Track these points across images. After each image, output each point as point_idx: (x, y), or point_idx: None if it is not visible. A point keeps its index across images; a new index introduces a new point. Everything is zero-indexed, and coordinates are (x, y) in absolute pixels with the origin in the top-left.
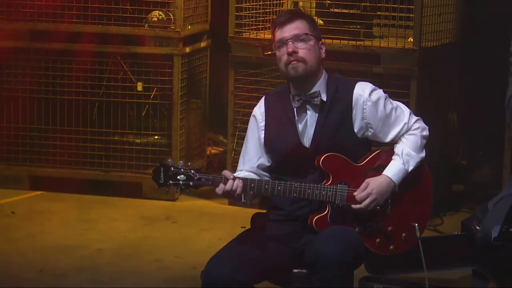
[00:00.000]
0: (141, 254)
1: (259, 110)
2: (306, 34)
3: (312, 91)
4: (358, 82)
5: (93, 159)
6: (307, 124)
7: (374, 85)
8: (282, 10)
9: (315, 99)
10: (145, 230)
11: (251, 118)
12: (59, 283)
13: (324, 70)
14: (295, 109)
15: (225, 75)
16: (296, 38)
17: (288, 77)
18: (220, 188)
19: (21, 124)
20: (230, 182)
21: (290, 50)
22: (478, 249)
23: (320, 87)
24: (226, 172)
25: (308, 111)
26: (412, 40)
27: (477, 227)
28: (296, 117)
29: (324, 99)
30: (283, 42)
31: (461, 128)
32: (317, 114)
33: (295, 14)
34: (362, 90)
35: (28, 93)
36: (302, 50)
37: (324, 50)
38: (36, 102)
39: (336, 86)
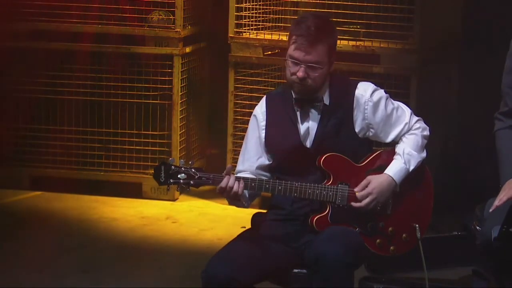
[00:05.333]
0: (141, 254)
1: (260, 110)
2: (321, 64)
3: (315, 96)
4: (360, 82)
5: (93, 159)
6: (309, 126)
7: (375, 85)
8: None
9: (318, 104)
10: (145, 230)
11: (252, 118)
12: (59, 283)
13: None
14: (297, 111)
15: (225, 75)
16: (310, 66)
17: (291, 89)
18: (219, 186)
19: (21, 124)
20: (225, 179)
21: (300, 75)
22: (478, 249)
23: (323, 92)
24: (228, 169)
25: (310, 113)
26: (412, 40)
27: (477, 227)
28: (298, 118)
29: (327, 103)
30: (296, 63)
31: (461, 128)
32: (319, 116)
33: (318, 36)
34: (364, 91)
35: (28, 93)
36: (312, 78)
37: (333, 63)
38: (36, 102)
39: (338, 89)
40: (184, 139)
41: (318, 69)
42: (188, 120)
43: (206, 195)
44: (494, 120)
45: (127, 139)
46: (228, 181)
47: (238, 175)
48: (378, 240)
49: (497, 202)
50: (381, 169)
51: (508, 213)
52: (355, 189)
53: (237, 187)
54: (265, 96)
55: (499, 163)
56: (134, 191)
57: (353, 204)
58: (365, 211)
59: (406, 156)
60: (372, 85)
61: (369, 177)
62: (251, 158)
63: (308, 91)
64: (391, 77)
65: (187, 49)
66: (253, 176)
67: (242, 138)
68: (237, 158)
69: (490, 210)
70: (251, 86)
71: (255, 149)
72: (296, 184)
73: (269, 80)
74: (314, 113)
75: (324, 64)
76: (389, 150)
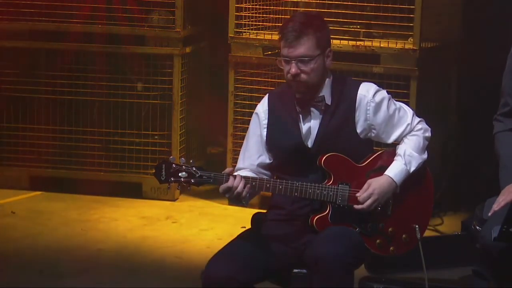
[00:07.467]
0: (141, 254)
1: (262, 108)
2: (310, 57)
3: (317, 96)
4: (362, 83)
5: (93, 159)
6: (311, 125)
7: (377, 86)
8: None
9: (320, 103)
10: (145, 230)
11: (254, 116)
12: (59, 284)
13: (329, 72)
14: (298, 110)
15: (225, 75)
16: (300, 60)
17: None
18: (222, 185)
19: (21, 124)
20: (231, 179)
21: (293, 72)
22: (478, 249)
23: (324, 92)
24: (227, 170)
25: (311, 113)
26: (412, 40)
27: (477, 227)
28: (300, 118)
29: (329, 102)
30: (288, 61)
31: (461, 128)
32: (321, 116)
33: (303, 30)
34: (366, 91)
35: (28, 93)
36: (305, 73)
37: (330, 58)
38: (36, 102)
39: (340, 88)
40: (184, 139)
41: (309, 62)
42: (188, 120)
43: (206, 195)
44: (493, 122)
45: (127, 139)
46: (234, 181)
47: (238, 172)
48: (378, 241)
49: (496, 206)
50: (382, 170)
51: (508, 213)
52: (357, 194)
53: (242, 187)
54: (267, 95)
55: (499, 167)
56: (134, 191)
57: (355, 206)
58: (366, 212)
59: (407, 157)
60: (375, 85)
61: (370, 180)
62: (252, 156)
63: (306, 88)
64: (391, 77)
65: (187, 49)
66: (254, 175)
67: (242, 138)
68: (237, 158)
69: (489, 214)
70: (251, 86)
71: (256, 147)
72: (297, 184)
73: (269, 80)
74: (315, 113)
75: (314, 56)
76: (390, 150)
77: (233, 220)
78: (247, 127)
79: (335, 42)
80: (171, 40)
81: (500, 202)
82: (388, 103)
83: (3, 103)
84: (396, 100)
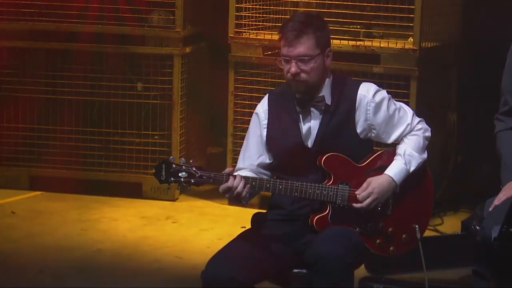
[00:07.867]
0: (141, 254)
1: (262, 108)
2: (310, 56)
3: (316, 96)
4: (362, 83)
5: (93, 159)
6: (311, 125)
7: (377, 86)
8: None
9: (320, 103)
10: (145, 230)
11: (254, 116)
12: (59, 284)
13: (329, 72)
14: (298, 110)
15: (225, 75)
16: (300, 59)
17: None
18: (222, 185)
19: (21, 124)
20: (231, 179)
21: (293, 71)
22: (478, 249)
23: (324, 92)
24: (227, 170)
25: (312, 113)
26: (412, 40)
27: (477, 227)
28: (300, 118)
29: (329, 102)
30: (288, 60)
31: (461, 128)
32: (321, 116)
33: (303, 29)
34: (366, 91)
35: (28, 93)
36: (305, 72)
37: (330, 58)
38: (36, 102)
39: (340, 89)
40: (184, 139)
41: (309, 61)
42: (188, 120)
43: (206, 195)
44: (494, 121)
45: (127, 139)
46: (234, 181)
47: (238, 172)
48: (378, 240)
49: (496, 201)
50: (381, 170)
51: (508, 213)
52: (356, 192)
53: (242, 187)
54: (267, 95)
55: (500, 166)
56: (134, 191)
57: (354, 204)
58: (366, 212)
59: (407, 157)
60: (375, 85)
61: (369, 179)
62: (252, 156)
63: (306, 88)
64: (391, 77)
65: (187, 49)
66: (254, 175)
67: (242, 138)
68: (237, 158)
69: (490, 209)
70: (251, 86)
71: (256, 147)
72: (297, 184)
73: (269, 80)
74: (315, 113)
75: (314, 56)
76: (390, 150)
77: (233, 220)
78: (247, 127)
79: (335, 42)
80: (171, 40)
81: (500, 197)
82: (388, 103)
83: (3, 103)
84: (396, 100)
